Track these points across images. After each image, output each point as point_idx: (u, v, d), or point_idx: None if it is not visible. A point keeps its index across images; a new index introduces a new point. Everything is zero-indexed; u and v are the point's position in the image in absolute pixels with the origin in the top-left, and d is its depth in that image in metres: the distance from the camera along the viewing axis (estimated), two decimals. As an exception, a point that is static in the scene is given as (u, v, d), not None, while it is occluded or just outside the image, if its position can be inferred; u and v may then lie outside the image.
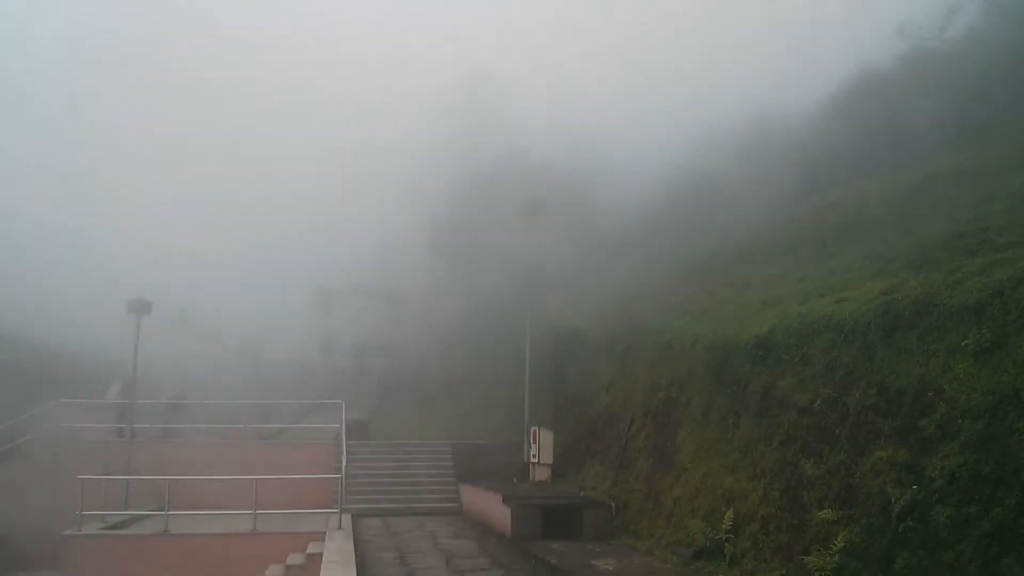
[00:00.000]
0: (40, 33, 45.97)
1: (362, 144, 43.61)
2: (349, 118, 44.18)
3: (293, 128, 44.81)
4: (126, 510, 20.14)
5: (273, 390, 32.10)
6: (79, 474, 17.96)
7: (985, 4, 27.04)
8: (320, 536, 17.27)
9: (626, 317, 23.14)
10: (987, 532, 8.81)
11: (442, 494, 24.64)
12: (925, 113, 24.77)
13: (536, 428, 22.59)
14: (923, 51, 28.77)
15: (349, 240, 41.26)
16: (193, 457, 23.37)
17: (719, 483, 14.30)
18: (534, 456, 22.36)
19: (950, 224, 15.23)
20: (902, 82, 28.37)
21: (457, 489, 24.72)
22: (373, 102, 44.96)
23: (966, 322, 10.42)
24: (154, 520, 19.00)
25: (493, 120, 41.95)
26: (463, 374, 32.06)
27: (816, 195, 26.27)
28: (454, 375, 32.78)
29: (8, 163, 41.18)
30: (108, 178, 42.29)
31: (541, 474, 22.08)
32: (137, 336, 23.38)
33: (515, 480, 23.16)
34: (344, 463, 20.76)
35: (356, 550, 15.13)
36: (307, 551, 16.85)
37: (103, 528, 18.33)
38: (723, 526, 13.37)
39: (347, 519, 18.70)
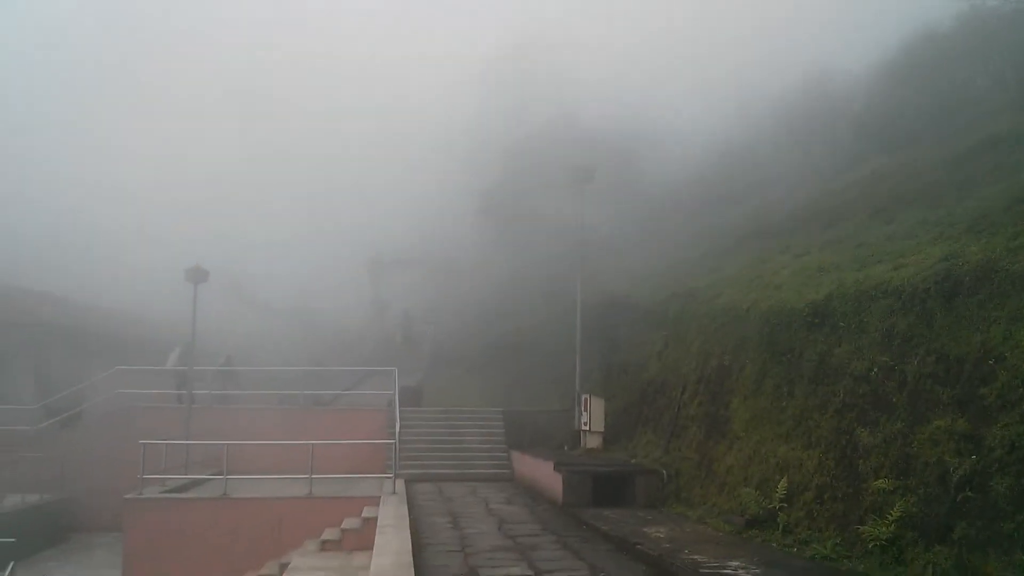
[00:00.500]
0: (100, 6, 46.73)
1: (412, 112, 43.75)
2: (399, 86, 44.27)
3: (345, 98, 45.08)
4: (186, 474, 20.58)
5: (326, 357, 32.57)
6: (140, 439, 18.37)
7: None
8: (374, 501, 17.50)
9: (678, 283, 22.97)
10: (1049, 503, 8.64)
11: (493, 460, 24.83)
12: (984, 75, 24.08)
13: (587, 395, 22.59)
14: (982, 10, 27.90)
15: (399, 209, 41.53)
16: (250, 422, 23.84)
17: (773, 452, 14.19)
18: (585, 423, 22.38)
19: (1012, 188, 14.81)
20: (960, 43, 27.58)
21: (508, 456, 24.89)
22: (424, 70, 44.99)
23: (1029, 288, 10.17)
24: (213, 484, 19.41)
25: (542, 87, 41.75)
26: (513, 341, 32.18)
27: (871, 160, 25.73)
28: (504, 342, 32.92)
29: (72, 138, 42.04)
30: (167, 150, 42.96)
31: (592, 441, 22.11)
32: (194, 304, 23.79)
33: (566, 447, 23.24)
34: (398, 429, 20.96)
35: (410, 515, 15.31)
36: (362, 515, 17.08)
37: (164, 492, 18.77)
38: (776, 495, 13.26)
39: (401, 484, 18.92)
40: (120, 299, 37.22)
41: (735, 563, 11.16)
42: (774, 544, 12.57)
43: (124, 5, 48.27)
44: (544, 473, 19.79)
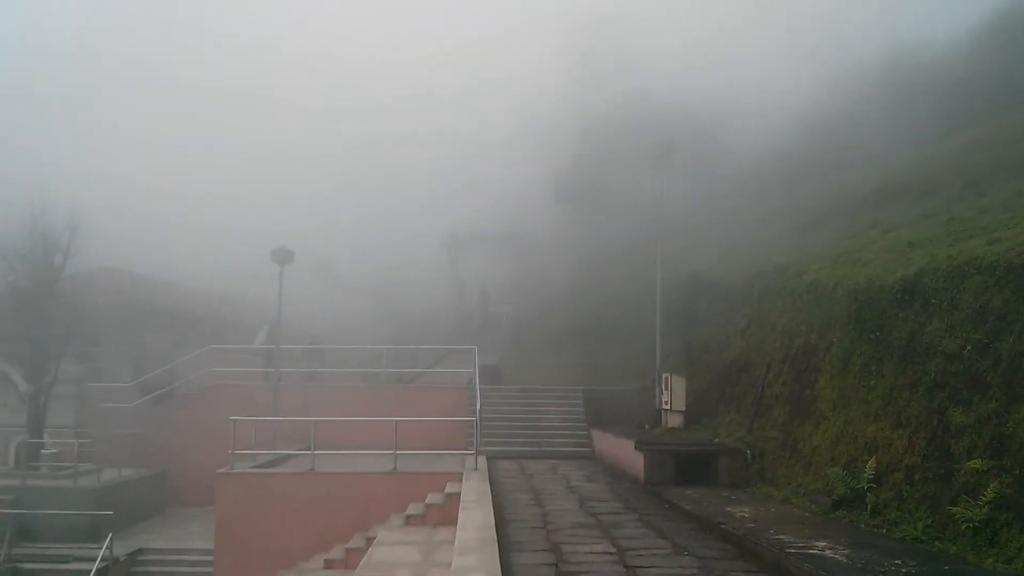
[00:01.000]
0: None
1: (489, 91, 43.78)
2: (476, 65, 44.34)
3: (423, 79, 45.37)
4: (274, 449, 21.13)
5: (407, 336, 32.99)
6: (230, 415, 18.92)
7: None
8: (457, 477, 17.74)
9: (761, 260, 22.58)
10: None
11: (574, 438, 24.88)
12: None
13: (668, 374, 22.44)
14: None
15: (478, 188, 41.69)
16: (334, 399, 24.34)
17: (860, 431, 13.90)
18: (666, 402, 22.24)
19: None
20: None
21: (588, 434, 24.91)
22: (501, 49, 44.96)
23: None
24: (300, 459, 19.91)
25: (619, 61, 41.32)
26: (592, 319, 32.08)
27: (962, 131, 24.82)
28: (583, 321, 32.84)
29: (165, 124, 43.28)
30: (254, 136, 43.88)
31: (673, 420, 21.97)
32: (280, 284, 24.36)
33: (646, 426, 23.14)
34: (479, 406, 21.16)
35: (492, 491, 15.46)
36: (445, 491, 17.35)
37: (254, 466, 19.31)
38: (865, 475, 13.00)
39: (482, 461, 19.11)
40: (211, 280, 38.30)
41: (822, 543, 10.99)
42: (862, 525, 12.34)
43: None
44: (625, 451, 19.76)
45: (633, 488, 17.54)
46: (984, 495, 10.25)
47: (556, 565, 10.38)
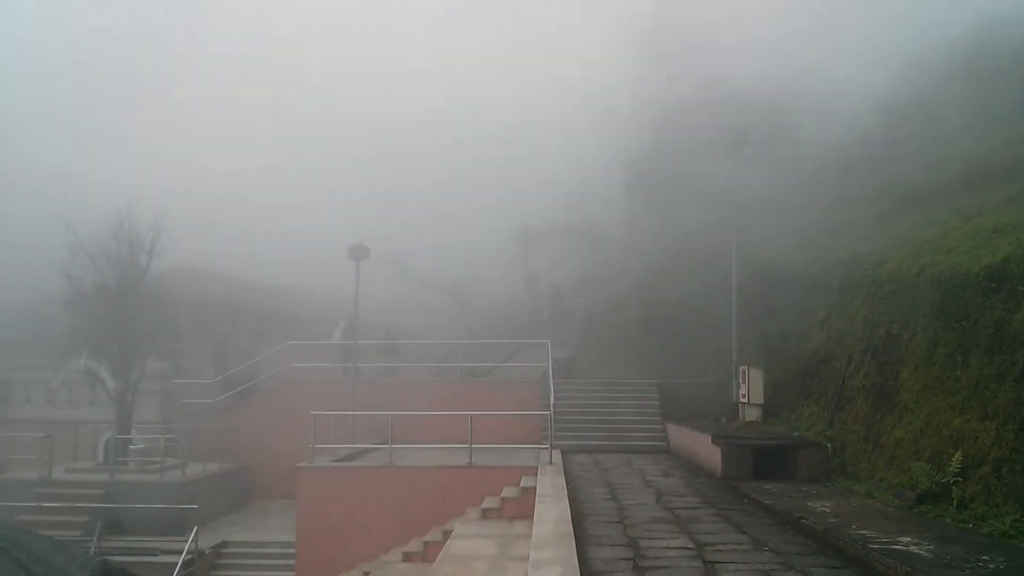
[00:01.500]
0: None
1: (557, 79, 43.68)
2: (543, 54, 44.26)
3: (495, 71, 45.49)
4: (352, 443, 21.43)
5: (481, 330, 33.16)
6: (309, 410, 19.22)
7: None
8: (532, 471, 17.76)
9: (840, 249, 22.08)
10: None
11: (649, 432, 24.71)
12: None
13: (745, 367, 22.11)
14: None
15: (551, 180, 41.64)
16: (410, 394, 24.60)
17: (946, 424, 13.51)
18: (743, 396, 21.93)
19: None
20: None
21: (663, 428, 24.71)
22: (568, 36, 44.79)
23: None
24: (378, 453, 20.16)
25: (692, 47, 40.78)
26: (666, 312, 31.78)
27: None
28: (657, 313, 32.55)
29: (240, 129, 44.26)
30: (327, 133, 44.56)
31: (751, 414, 21.65)
32: (357, 280, 24.71)
33: (723, 420, 22.86)
34: (552, 400, 21.14)
35: (567, 485, 15.45)
36: (520, 484, 17.38)
37: (333, 460, 19.61)
38: (950, 468, 12.65)
39: (557, 455, 19.11)
40: (290, 277, 39.05)
41: (906, 539, 10.73)
42: (948, 520, 12.01)
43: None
44: (702, 445, 19.55)
45: (710, 482, 17.34)
46: (1078, 489, 9.89)
47: (634, 560, 10.32)
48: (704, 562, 10.18)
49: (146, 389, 25.78)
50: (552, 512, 12.04)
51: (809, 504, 13.69)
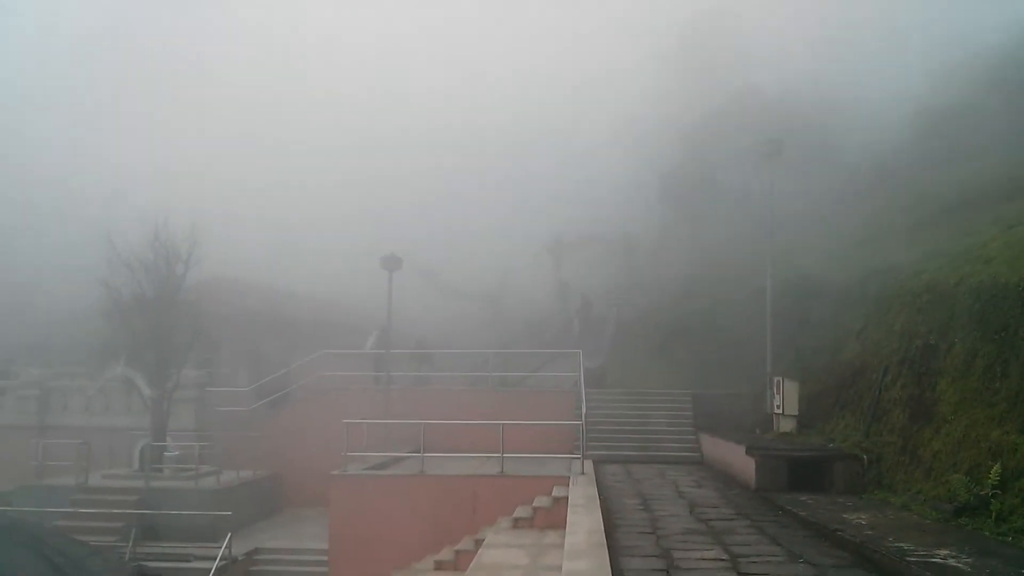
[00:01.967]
0: None
1: (596, 90, 43.71)
2: (583, 64, 44.30)
3: (530, 79, 45.60)
4: (385, 452, 21.49)
5: (512, 340, 33.17)
6: (342, 418, 19.32)
7: None
8: (564, 480, 17.72)
9: (876, 259, 21.86)
10: None
11: (682, 443, 24.54)
12: None
13: (779, 378, 21.91)
14: None
15: (583, 189, 41.62)
16: (442, 403, 24.64)
17: (984, 436, 13.31)
18: (778, 407, 21.73)
19: None
20: None
21: (697, 438, 24.53)
22: (607, 46, 44.79)
23: None
24: (410, 461, 20.20)
25: (725, 57, 40.64)
26: (700, 321, 31.59)
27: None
28: (690, 323, 32.37)
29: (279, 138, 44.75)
30: (358, 143, 44.87)
31: (785, 425, 21.44)
32: (389, 290, 24.84)
33: (757, 431, 22.66)
34: (584, 410, 21.07)
35: (599, 495, 15.39)
36: (552, 494, 17.34)
37: (365, 468, 19.68)
38: (989, 481, 12.46)
39: (589, 465, 19.03)
40: (322, 287, 39.34)
41: (944, 551, 10.58)
42: (986, 532, 11.83)
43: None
44: (736, 457, 19.39)
45: (744, 494, 17.20)
46: (1122, 503, 9.69)
47: (667, 571, 10.25)
48: (738, 574, 10.09)
49: (181, 397, 26.03)
50: (585, 522, 12.00)
51: (845, 516, 13.54)
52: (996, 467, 12.49)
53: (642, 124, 41.84)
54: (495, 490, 18.19)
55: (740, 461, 18.75)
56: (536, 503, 17.32)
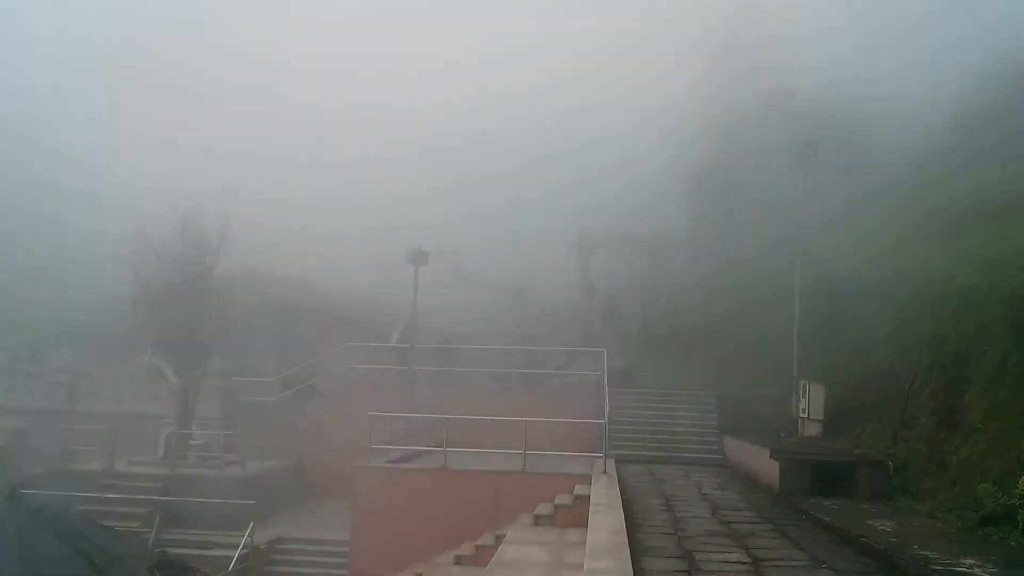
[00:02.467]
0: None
1: (620, 87, 43.50)
2: (610, 63, 44.09)
3: (559, 78, 45.45)
4: (408, 445, 21.56)
5: (537, 337, 33.12)
6: (366, 411, 19.39)
7: None
8: (586, 479, 17.69)
9: (907, 263, 21.61)
10: None
11: (705, 445, 24.41)
12: None
13: (806, 381, 21.74)
14: None
15: (609, 187, 41.44)
16: (465, 398, 24.65)
17: (1014, 444, 13.14)
18: (803, 410, 21.57)
19: None
20: None
21: (720, 440, 24.40)
22: (637, 46, 44.54)
23: None
24: (433, 456, 20.25)
25: (758, 59, 40.34)
26: (726, 323, 31.40)
27: None
28: (716, 324, 32.17)
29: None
30: (384, 136, 44.93)
31: (810, 429, 21.28)
32: (416, 284, 24.90)
33: (782, 434, 22.49)
34: (607, 409, 21.01)
35: (622, 495, 15.34)
36: (574, 492, 17.33)
37: (389, 461, 19.76)
38: (1017, 491, 12.26)
39: (611, 464, 18.98)
40: (349, 280, 39.45)
41: (970, 560, 10.45)
42: (1012, 543, 11.68)
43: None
44: (759, 460, 19.26)
45: (767, 497, 17.07)
46: None
47: (689, 572, 10.20)
48: (760, 577, 10.03)
49: (208, 386, 26.26)
50: (607, 521, 11.97)
51: (869, 522, 13.41)
52: (1025, 477, 12.32)
53: (676, 124, 41.58)
54: (516, 487, 18.23)
55: (764, 464, 18.62)
56: (558, 501, 17.32)
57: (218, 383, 27.14)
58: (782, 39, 38.79)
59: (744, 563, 10.76)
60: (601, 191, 42.23)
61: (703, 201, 40.10)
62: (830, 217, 28.21)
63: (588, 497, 15.29)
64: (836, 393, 21.46)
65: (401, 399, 24.55)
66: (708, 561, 10.83)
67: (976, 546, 11.50)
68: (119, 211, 32.70)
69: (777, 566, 10.60)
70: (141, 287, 25.30)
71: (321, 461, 25.52)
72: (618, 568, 8.99)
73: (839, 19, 37.24)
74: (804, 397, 21.56)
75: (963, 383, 15.49)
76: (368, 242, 39.19)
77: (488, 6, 49.85)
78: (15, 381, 30.31)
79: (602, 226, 42.65)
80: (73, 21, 48.58)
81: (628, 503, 15.11)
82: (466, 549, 17.31)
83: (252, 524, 20.22)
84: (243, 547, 19.62)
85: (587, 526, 12.16)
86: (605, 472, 18.12)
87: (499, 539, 16.30)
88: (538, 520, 17.07)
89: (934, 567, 10.04)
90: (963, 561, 10.42)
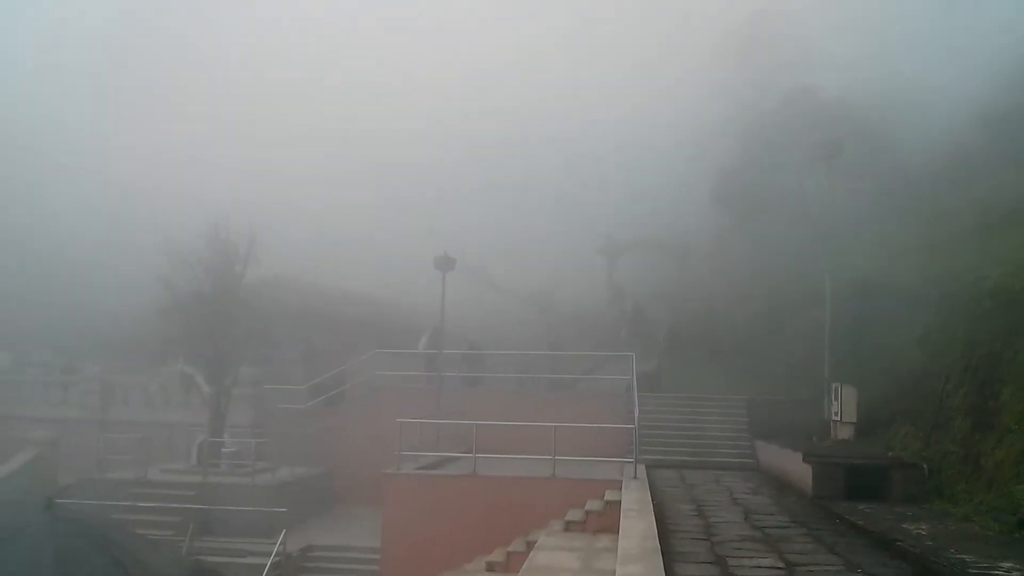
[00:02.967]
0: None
1: (644, 88, 43.39)
2: (635, 65, 44.01)
3: (585, 80, 45.42)
4: (437, 452, 21.59)
5: (565, 342, 33.09)
6: (395, 418, 19.45)
7: None
8: (616, 484, 17.63)
9: (938, 264, 21.39)
10: None
11: (736, 449, 24.28)
12: None
13: (838, 384, 21.57)
14: None
15: (634, 191, 41.35)
16: (493, 404, 24.68)
17: (1052, 446, 12.97)
18: (836, 414, 21.39)
19: None
20: None
21: (752, 445, 24.25)
22: (654, 44, 44.43)
23: None
24: (462, 462, 20.27)
25: (781, 58, 40.09)
26: (755, 326, 31.23)
27: None
28: (745, 327, 32.01)
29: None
30: (412, 143, 45.08)
31: (843, 432, 21.10)
32: (443, 290, 24.96)
33: (814, 438, 22.32)
34: (636, 414, 20.94)
35: (653, 500, 15.28)
36: (604, 498, 17.28)
37: (418, 468, 19.80)
38: (1056, 493, 12.15)
39: (642, 469, 18.91)
40: (378, 288, 39.64)
41: (1008, 564, 10.31)
42: (1053, 547, 11.51)
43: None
44: (792, 464, 19.10)
45: (800, 502, 16.94)
46: None
47: (721, 577, 10.15)
48: (795, 582, 9.95)
49: (239, 394, 26.44)
50: (638, 527, 11.92)
51: (904, 526, 13.27)
52: (1063, 479, 12.17)
53: (700, 126, 41.43)
54: (547, 492, 18.20)
55: (796, 468, 18.47)
56: (588, 507, 17.27)
57: (248, 391, 27.33)
58: (806, 41, 38.57)
59: (778, 568, 10.68)
60: (626, 195, 42.17)
61: (729, 204, 39.94)
62: (857, 218, 27.99)
63: (619, 502, 15.24)
64: (868, 396, 21.28)
65: (429, 405, 24.61)
66: (741, 566, 10.75)
67: (1014, 549, 11.34)
68: (148, 221, 33.00)
69: (811, 571, 10.51)
70: (171, 296, 25.52)
71: (350, 468, 25.63)
72: (650, 573, 8.95)
73: (862, 21, 36.97)
74: (836, 400, 21.39)
75: (997, 384, 15.31)
76: (394, 248, 39.34)
77: (510, 11, 49.92)
78: (48, 392, 30.65)
79: (628, 230, 42.58)
80: (101, 31, 49.08)
81: (659, 508, 15.04)
82: (497, 555, 17.32)
83: (284, 532, 20.33)
84: (275, 555, 19.73)
85: (618, 531, 12.11)
86: (636, 477, 18.07)
87: (530, 545, 16.30)
88: (569, 526, 17.03)
89: (971, 571, 9.92)
90: (1001, 564, 10.29)
